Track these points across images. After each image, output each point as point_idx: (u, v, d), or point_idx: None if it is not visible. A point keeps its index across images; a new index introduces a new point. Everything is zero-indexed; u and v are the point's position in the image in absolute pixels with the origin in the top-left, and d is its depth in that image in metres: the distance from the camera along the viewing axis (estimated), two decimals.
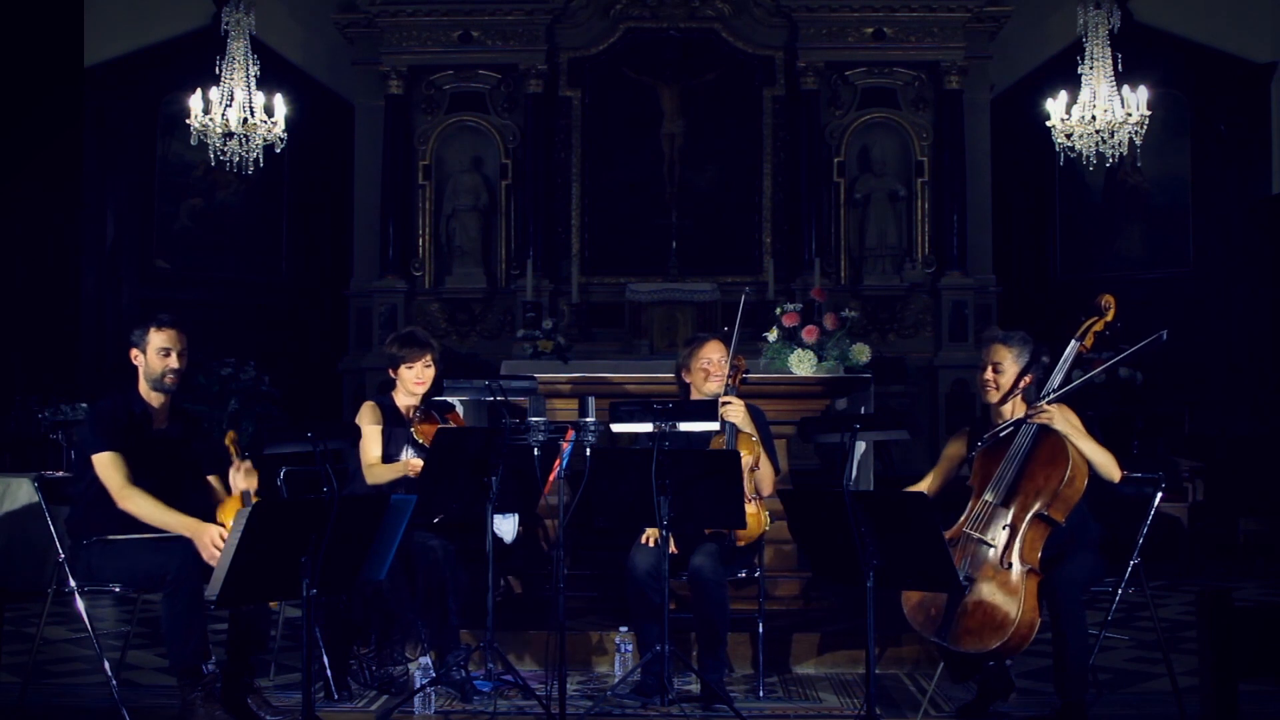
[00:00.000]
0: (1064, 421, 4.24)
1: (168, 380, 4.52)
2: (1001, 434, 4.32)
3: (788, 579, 5.78)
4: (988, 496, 4.26)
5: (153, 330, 4.54)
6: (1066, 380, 4.35)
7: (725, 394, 4.85)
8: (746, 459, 4.82)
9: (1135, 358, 4.50)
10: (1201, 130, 11.04)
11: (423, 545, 4.76)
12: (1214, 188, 10.99)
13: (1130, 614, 6.17)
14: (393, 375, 5.10)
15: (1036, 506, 4.16)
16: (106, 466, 4.36)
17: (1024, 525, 4.15)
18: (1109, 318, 4.40)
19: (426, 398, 5.13)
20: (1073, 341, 4.38)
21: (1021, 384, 4.41)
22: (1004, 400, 4.44)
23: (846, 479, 4.28)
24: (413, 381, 5.06)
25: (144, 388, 4.55)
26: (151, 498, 4.35)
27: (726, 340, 5.06)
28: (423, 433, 5.01)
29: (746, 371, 5.11)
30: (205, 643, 4.23)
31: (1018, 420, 4.31)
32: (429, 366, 5.07)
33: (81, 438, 4.56)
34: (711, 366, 5.00)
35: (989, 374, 4.46)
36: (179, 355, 4.54)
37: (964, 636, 4.09)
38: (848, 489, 3.94)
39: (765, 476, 4.95)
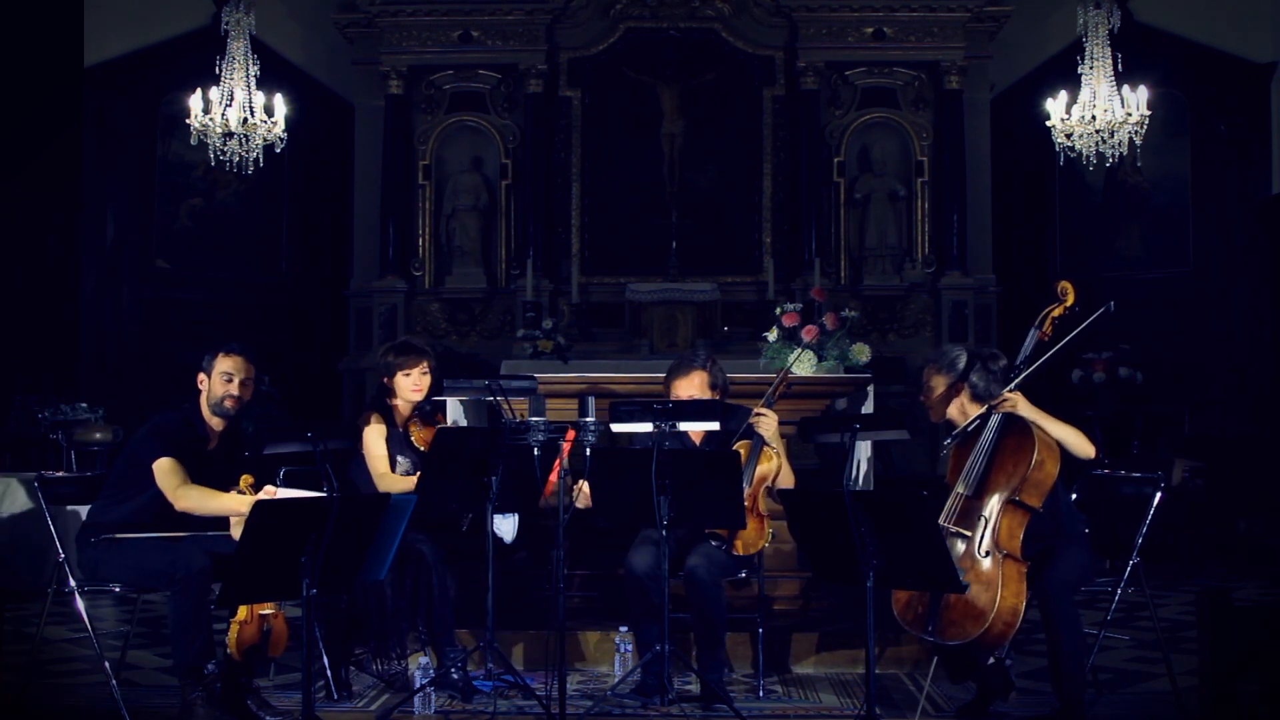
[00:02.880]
0: (1028, 408, 4.29)
1: (228, 404, 4.60)
2: (970, 429, 4.40)
3: (788, 579, 5.78)
4: (960, 489, 4.31)
5: (220, 355, 4.63)
6: (1029, 368, 4.41)
7: (764, 405, 4.87)
8: (766, 468, 4.84)
9: (1088, 332, 4.56)
10: (1201, 130, 11.04)
11: (412, 547, 4.77)
12: (1214, 188, 10.99)
13: (1130, 614, 6.17)
14: (388, 383, 5.10)
15: (1007, 493, 4.20)
16: (165, 471, 4.44)
17: (997, 513, 4.19)
18: (1068, 302, 4.49)
19: (419, 404, 5.15)
20: (1032, 330, 4.47)
21: (955, 393, 4.52)
22: (942, 407, 4.56)
23: (846, 479, 4.29)
24: (410, 389, 5.07)
25: (205, 410, 4.63)
26: (203, 489, 4.44)
27: (705, 365, 5.06)
28: (420, 438, 5.05)
29: (790, 385, 5.12)
30: (210, 642, 4.26)
31: (984, 413, 4.37)
32: (425, 374, 5.09)
33: (136, 446, 4.59)
34: None
35: (922, 397, 4.66)
36: (242, 383, 4.62)
37: (948, 628, 4.12)
38: (848, 489, 3.95)
39: (784, 481, 4.98)
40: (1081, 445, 4.29)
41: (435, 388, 5.19)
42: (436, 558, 4.82)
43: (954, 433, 4.44)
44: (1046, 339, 4.46)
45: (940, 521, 4.26)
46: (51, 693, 4.86)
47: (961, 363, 4.54)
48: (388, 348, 5.19)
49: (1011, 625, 4.08)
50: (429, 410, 5.21)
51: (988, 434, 4.31)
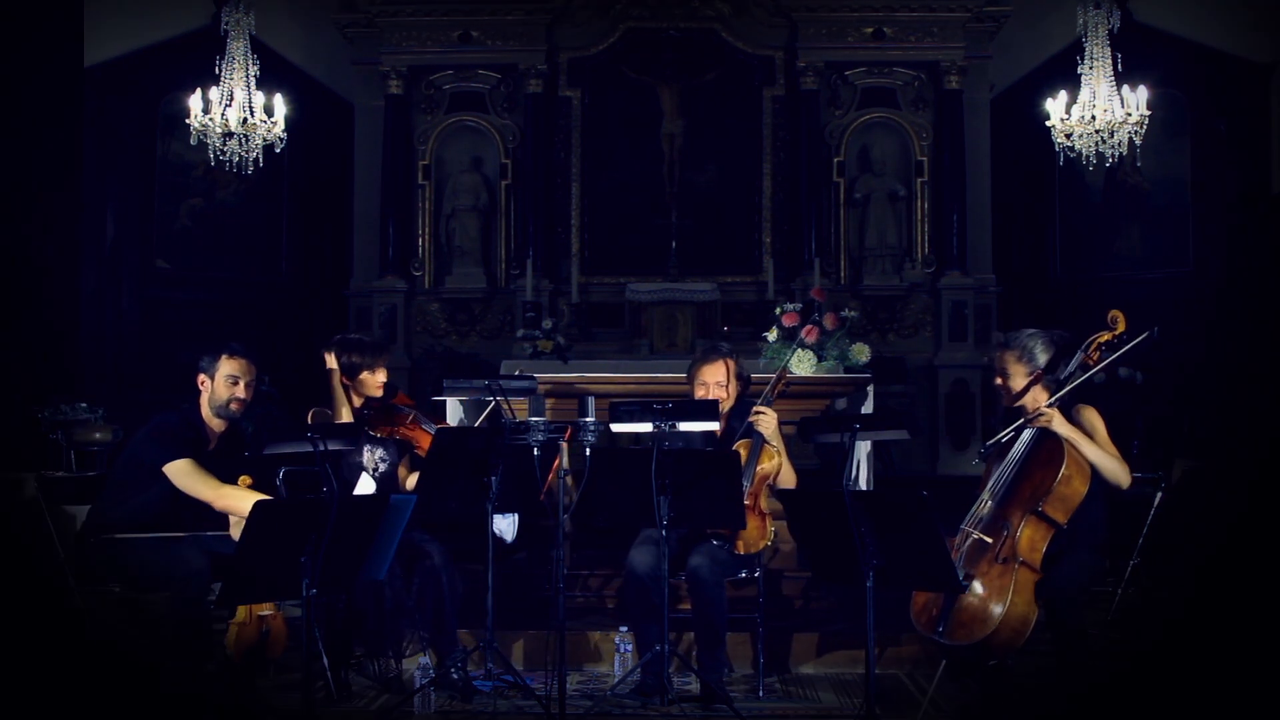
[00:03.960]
0: (1064, 425, 4.31)
1: (233, 407, 4.60)
2: (1004, 440, 4.43)
3: (788, 579, 5.79)
4: (986, 496, 4.35)
5: (224, 358, 4.61)
6: (1068, 385, 4.43)
7: (762, 403, 4.88)
8: (767, 467, 4.85)
9: (1131, 356, 4.57)
10: (1201, 130, 11.03)
11: (420, 549, 4.77)
12: (1214, 188, 10.98)
13: (1131, 614, 6.17)
14: (348, 382, 5.07)
15: (1032, 504, 4.22)
16: (188, 474, 4.45)
17: (1019, 522, 4.21)
18: (1119, 330, 4.50)
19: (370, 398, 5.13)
20: (1078, 352, 4.49)
21: (1035, 382, 4.49)
22: (1018, 398, 4.52)
23: (846, 479, 4.30)
24: (375, 386, 5.06)
25: (206, 412, 4.63)
26: (238, 488, 4.43)
27: (731, 356, 5.10)
28: (383, 431, 5.05)
29: (788, 384, 5.14)
30: (210, 643, 4.26)
31: (1019, 425, 4.40)
32: (386, 369, 5.09)
33: (138, 447, 4.58)
34: (703, 390, 5.04)
35: (998, 380, 4.59)
36: (246, 385, 4.61)
37: (956, 630, 4.15)
38: (848, 489, 3.96)
39: (786, 483, 4.98)
40: (1115, 472, 4.32)
41: (436, 387, 5.20)
42: (445, 559, 4.82)
43: (988, 444, 4.49)
44: (1091, 363, 4.48)
45: (963, 526, 4.30)
46: (51, 693, 4.86)
47: (1038, 351, 4.52)
48: (346, 346, 5.09)
49: (1020, 633, 4.10)
50: (379, 398, 5.18)
51: (1020, 445, 4.35)
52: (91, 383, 9.88)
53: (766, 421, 4.86)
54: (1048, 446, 4.30)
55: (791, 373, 6.70)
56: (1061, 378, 4.44)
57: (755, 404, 4.92)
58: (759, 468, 4.86)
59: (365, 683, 4.90)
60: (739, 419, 4.98)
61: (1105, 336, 4.51)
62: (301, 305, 11.69)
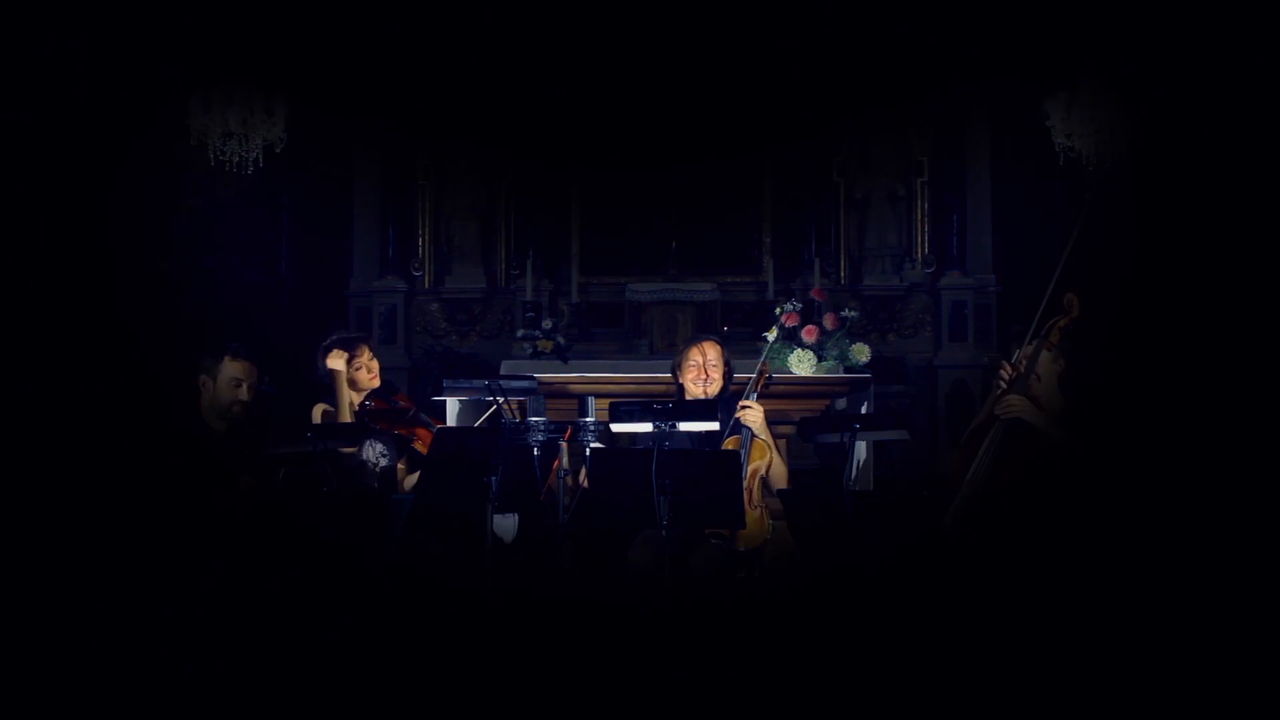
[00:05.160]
0: (1034, 413, 4.33)
1: (235, 409, 4.53)
2: (980, 423, 4.48)
3: (788, 579, 5.78)
4: (968, 489, 4.33)
5: (227, 359, 4.53)
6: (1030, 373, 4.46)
7: (746, 399, 4.89)
8: (758, 463, 4.86)
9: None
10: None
11: (420, 549, 4.76)
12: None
13: None
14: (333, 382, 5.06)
15: (1013, 491, 4.23)
16: None
17: (1006, 513, 4.21)
18: (1074, 314, 4.57)
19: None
20: (1037, 339, 4.54)
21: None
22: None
23: (846, 479, 4.31)
24: (368, 379, 5.07)
25: (207, 413, 4.56)
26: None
27: (721, 341, 5.12)
28: (383, 425, 5.06)
29: (770, 378, 5.15)
30: None
31: (993, 418, 4.42)
32: (373, 359, 5.09)
33: None
34: (696, 369, 5.05)
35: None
36: (249, 387, 4.55)
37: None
38: (848, 489, 3.96)
39: (778, 475, 4.98)
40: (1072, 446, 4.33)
41: (436, 387, 5.20)
42: (444, 559, 4.82)
43: (965, 433, 4.52)
44: (1052, 349, 4.49)
45: (947, 520, 4.29)
46: None
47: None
48: (330, 343, 5.11)
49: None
50: (378, 390, 5.17)
51: (994, 434, 4.35)
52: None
53: (753, 416, 4.88)
54: (1018, 433, 4.31)
55: (792, 372, 6.71)
56: (1023, 369, 4.46)
57: (739, 400, 4.94)
58: (750, 464, 4.86)
59: None
60: (725, 412, 4.98)
61: (1063, 321, 4.54)
62: (301, 305, 11.68)
